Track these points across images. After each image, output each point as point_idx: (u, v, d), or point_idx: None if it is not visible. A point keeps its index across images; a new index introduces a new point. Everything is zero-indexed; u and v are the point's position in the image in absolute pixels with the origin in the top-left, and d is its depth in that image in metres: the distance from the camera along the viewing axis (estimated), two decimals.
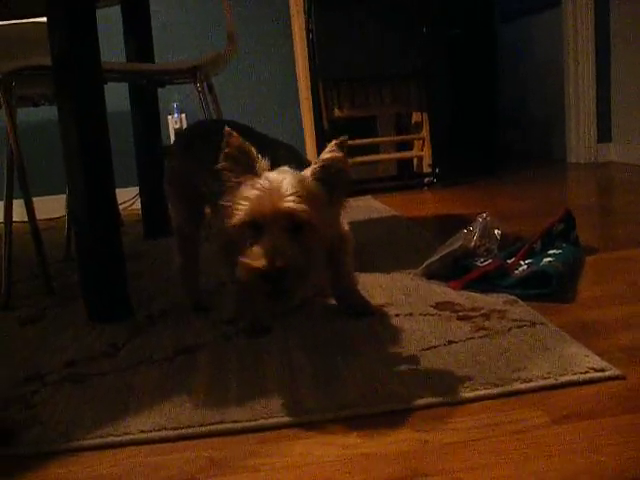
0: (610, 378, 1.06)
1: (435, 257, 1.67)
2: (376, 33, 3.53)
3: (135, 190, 3.34)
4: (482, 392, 1.03)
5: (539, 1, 4.69)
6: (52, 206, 3.38)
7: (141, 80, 2.49)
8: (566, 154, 4.30)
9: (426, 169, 3.74)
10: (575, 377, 1.06)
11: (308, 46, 3.55)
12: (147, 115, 2.65)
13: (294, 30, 3.71)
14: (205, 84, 2.30)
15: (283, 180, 1.08)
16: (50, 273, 1.88)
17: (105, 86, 1.87)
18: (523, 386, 1.05)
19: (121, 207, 3.25)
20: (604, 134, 4.15)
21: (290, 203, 1.06)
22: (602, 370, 1.08)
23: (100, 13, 1.63)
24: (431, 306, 1.46)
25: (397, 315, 1.42)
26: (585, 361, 1.11)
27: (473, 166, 4.61)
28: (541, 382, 1.05)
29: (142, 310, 1.63)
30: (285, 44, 3.84)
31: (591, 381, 1.06)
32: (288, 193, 1.06)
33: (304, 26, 3.56)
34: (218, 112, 2.34)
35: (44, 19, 2.25)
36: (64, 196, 3.01)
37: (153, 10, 2.72)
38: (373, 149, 3.91)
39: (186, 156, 1.51)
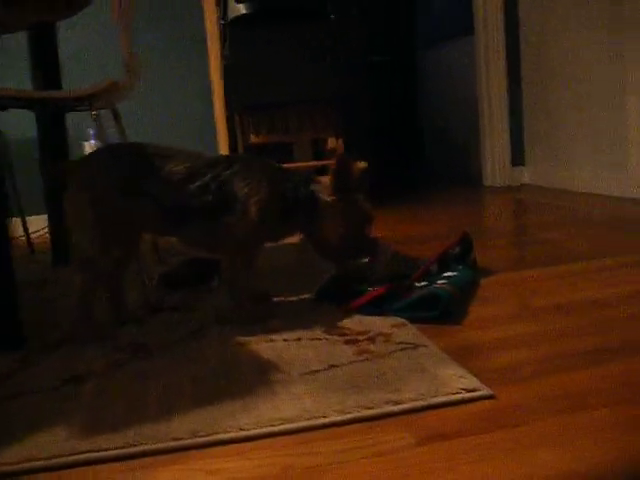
0: (481, 398, 1.08)
1: (328, 281, 1.68)
2: (291, 60, 3.56)
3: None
4: (351, 415, 1.04)
5: (454, 28, 4.80)
6: None
7: (40, 106, 2.45)
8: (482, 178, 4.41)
9: None
10: (445, 398, 1.08)
11: (223, 72, 3.56)
12: (55, 142, 2.60)
13: (210, 56, 3.73)
14: (111, 111, 2.29)
15: None
16: None
17: (12, 112, 1.86)
18: (395, 408, 1.05)
19: (35, 235, 3.18)
20: (518, 157, 4.28)
21: None
22: (474, 390, 1.09)
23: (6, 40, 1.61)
24: (321, 330, 1.47)
25: (285, 340, 1.43)
26: (459, 382, 1.13)
27: (391, 192, 4.66)
28: (411, 404, 1.06)
29: (39, 339, 1.58)
30: (202, 71, 3.84)
31: (462, 401, 1.07)
32: None
33: (219, 52, 3.57)
34: (124, 139, 2.32)
35: None
36: None
37: (64, 37, 2.71)
38: None
39: (118, 174, 1.50)
